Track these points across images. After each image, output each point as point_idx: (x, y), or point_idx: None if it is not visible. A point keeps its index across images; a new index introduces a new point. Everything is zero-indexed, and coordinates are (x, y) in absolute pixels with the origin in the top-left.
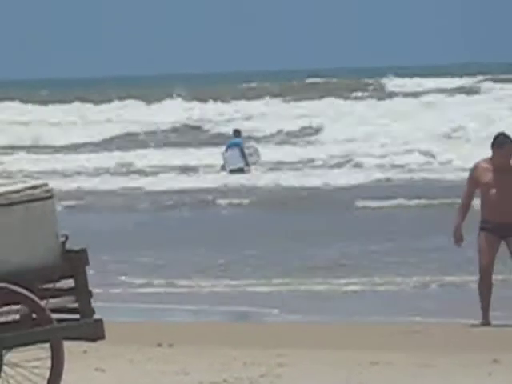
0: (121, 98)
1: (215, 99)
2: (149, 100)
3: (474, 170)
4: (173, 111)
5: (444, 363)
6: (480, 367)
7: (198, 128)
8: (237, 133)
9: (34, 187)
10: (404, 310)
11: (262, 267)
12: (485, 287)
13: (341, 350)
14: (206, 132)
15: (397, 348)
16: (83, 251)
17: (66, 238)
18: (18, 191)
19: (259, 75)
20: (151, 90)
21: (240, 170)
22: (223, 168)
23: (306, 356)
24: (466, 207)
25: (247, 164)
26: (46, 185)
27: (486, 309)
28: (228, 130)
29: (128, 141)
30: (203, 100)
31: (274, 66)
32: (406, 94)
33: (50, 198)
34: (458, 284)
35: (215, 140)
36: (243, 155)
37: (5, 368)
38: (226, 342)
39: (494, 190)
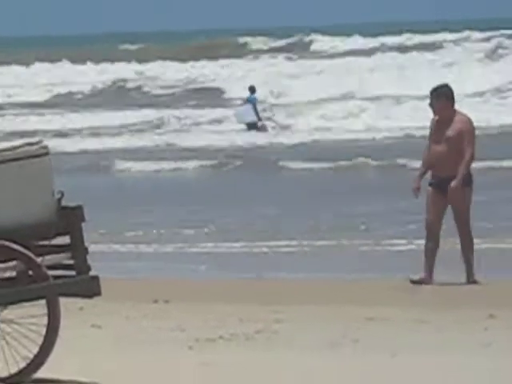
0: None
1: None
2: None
3: (431, 123)
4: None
5: (440, 319)
6: (476, 322)
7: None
8: (251, 89)
9: (29, 144)
10: (394, 268)
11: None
12: (430, 245)
13: (337, 305)
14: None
15: (392, 304)
16: (79, 208)
17: (62, 194)
18: (12, 148)
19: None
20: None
21: (252, 125)
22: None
23: (303, 312)
24: (424, 160)
25: (259, 119)
26: (41, 142)
27: (430, 268)
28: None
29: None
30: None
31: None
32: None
33: (45, 154)
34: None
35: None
36: (255, 110)
37: (1, 325)
38: (222, 298)
39: (435, 144)
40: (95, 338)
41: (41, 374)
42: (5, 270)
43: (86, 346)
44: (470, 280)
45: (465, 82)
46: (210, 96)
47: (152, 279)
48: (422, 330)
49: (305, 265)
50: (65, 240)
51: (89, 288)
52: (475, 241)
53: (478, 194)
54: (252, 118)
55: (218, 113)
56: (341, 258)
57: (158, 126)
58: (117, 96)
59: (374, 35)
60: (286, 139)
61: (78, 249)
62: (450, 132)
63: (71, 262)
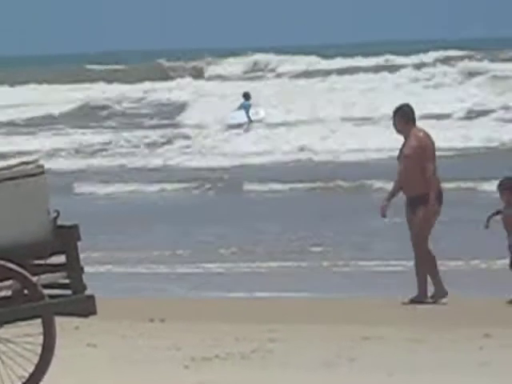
0: None
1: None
2: None
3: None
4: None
5: (435, 338)
6: (471, 342)
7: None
8: (246, 96)
9: (25, 163)
10: (389, 287)
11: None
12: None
13: (332, 324)
14: None
15: (387, 323)
16: (75, 227)
17: (58, 213)
18: (8, 167)
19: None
20: None
21: (239, 126)
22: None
23: (298, 331)
24: (396, 180)
25: (250, 121)
26: (37, 161)
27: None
28: None
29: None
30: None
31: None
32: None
33: (41, 173)
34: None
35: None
36: (247, 114)
37: None
38: (218, 317)
39: (398, 164)
40: (91, 357)
41: None
42: (0, 289)
43: (81, 365)
44: (414, 299)
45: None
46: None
47: (148, 298)
48: (418, 349)
49: (298, 284)
50: (60, 259)
51: (84, 307)
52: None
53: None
54: (242, 119)
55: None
56: (333, 278)
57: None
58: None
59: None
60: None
61: (73, 268)
62: (406, 150)
63: (67, 281)
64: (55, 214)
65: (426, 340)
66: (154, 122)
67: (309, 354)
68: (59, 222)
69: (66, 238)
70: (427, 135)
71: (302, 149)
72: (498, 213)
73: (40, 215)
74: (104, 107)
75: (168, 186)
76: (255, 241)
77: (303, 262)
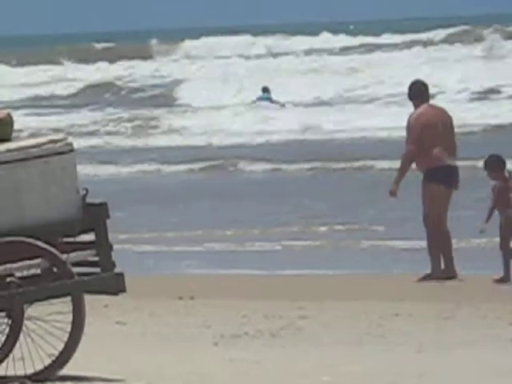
0: None
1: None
2: None
3: None
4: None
5: (463, 315)
6: (500, 318)
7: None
8: (265, 90)
9: (53, 141)
10: (418, 264)
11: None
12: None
13: (361, 301)
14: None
15: (416, 299)
16: (104, 205)
17: (87, 191)
18: (37, 145)
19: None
20: None
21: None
22: None
23: (327, 308)
24: None
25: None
26: (66, 139)
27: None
28: None
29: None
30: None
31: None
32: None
33: (70, 151)
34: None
35: None
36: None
37: (26, 322)
38: (247, 294)
39: None
40: (120, 335)
41: (66, 371)
42: (30, 267)
43: (111, 342)
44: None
45: None
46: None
47: (177, 276)
48: (446, 326)
49: (327, 261)
50: (90, 237)
51: (114, 285)
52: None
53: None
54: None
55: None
56: (361, 255)
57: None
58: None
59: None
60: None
61: (102, 246)
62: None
63: (96, 258)
64: (84, 192)
65: (455, 317)
66: (158, 101)
67: (338, 331)
68: (88, 200)
69: (94, 215)
70: (415, 114)
71: (307, 128)
72: (491, 213)
73: (69, 193)
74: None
75: (186, 166)
76: (281, 220)
77: (331, 239)
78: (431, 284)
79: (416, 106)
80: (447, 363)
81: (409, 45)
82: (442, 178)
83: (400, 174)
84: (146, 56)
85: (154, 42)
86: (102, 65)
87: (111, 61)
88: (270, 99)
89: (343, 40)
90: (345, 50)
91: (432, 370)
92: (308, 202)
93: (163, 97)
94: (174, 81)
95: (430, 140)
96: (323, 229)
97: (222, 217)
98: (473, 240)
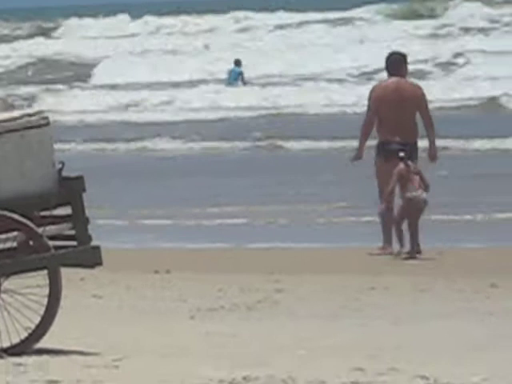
0: None
1: None
2: None
3: None
4: None
5: (440, 288)
6: (477, 291)
7: None
8: (237, 63)
9: (29, 115)
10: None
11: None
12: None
13: (338, 275)
14: None
15: (393, 272)
16: (80, 178)
17: (63, 165)
18: (12, 119)
19: None
20: None
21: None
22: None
23: (304, 282)
24: None
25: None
26: (41, 112)
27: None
28: None
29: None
30: None
31: None
32: None
33: (46, 125)
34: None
35: None
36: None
37: (2, 295)
38: (223, 268)
39: None
40: (96, 308)
41: (42, 344)
42: (6, 240)
43: (87, 315)
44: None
45: None
46: None
47: (153, 249)
48: (423, 299)
49: (303, 234)
50: (66, 210)
51: (90, 258)
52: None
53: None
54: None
55: None
56: (339, 228)
57: None
58: None
59: None
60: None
61: (79, 219)
62: None
63: (72, 232)
64: (60, 166)
65: (431, 289)
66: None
67: (315, 305)
68: (64, 174)
69: (71, 189)
70: (380, 86)
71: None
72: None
73: (45, 167)
74: None
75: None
76: (260, 193)
77: (307, 211)
78: (407, 258)
79: (388, 78)
80: (424, 336)
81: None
82: (383, 153)
83: (359, 143)
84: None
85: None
86: None
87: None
88: (241, 74)
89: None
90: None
91: (408, 343)
92: (278, 178)
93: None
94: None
95: (383, 114)
96: (303, 206)
97: (195, 191)
98: (450, 214)
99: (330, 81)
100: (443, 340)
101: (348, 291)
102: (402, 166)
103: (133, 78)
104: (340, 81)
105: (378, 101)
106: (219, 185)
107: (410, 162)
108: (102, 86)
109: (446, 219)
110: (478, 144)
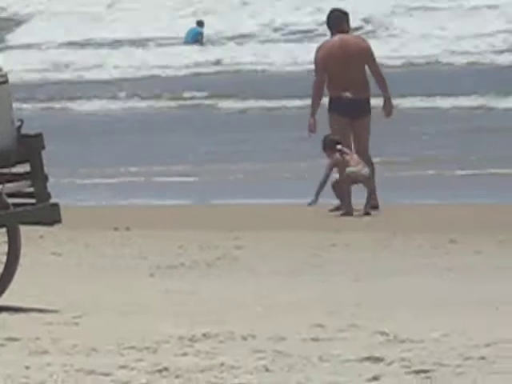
0: None
1: None
2: None
3: None
4: None
5: (400, 244)
6: (437, 247)
7: None
8: (199, 24)
9: None
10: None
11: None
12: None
13: (298, 231)
14: None
15: (354, 229)
16: (39, 136)
17: (22, 122)
18: None
19: None
20: None
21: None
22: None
23: (263, 238)
24: None
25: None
26: (0, 70)
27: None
28: None
29: None
30: None
31: None
32: None
33: (4, 82)
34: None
35: None
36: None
37: None
38: (182, 225)
39: None
40: (56, 266)
41: (1, 301)
42: None
43: (46, 273)
44: (372, 204)
45: None
46: None
47: (112, 207)
48: (383, 255)
49: (263, 191)
50: (25, 168)
51: (49, 216)
52: None
53: None
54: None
55: None
56: (300, 184)
57: None
58: None
59: None
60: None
61: (38, 176)
62: None
63: (31, 189)
64: (19, 123)
65: (391, 245)
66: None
67: (275, 261)
68: (23, 131)
69: (30, 146)
70: (325, 45)
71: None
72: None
73: (4, 124)
74: None
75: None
76: (216, 149)
77: (268, 168)
78: (367, 214)
79: (332, 36)
80: (383, 292)
81: None
82: (334, 108)
83: (311, 106)
84: None
85: None
86: None
87: None
88: (201, 34)
89: None
90: None
91: (369, 299)
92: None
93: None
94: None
95: (331, 71)
96: (262, 164)
97: (151, 148)
98: (409, 169)
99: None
100: (403, 296)
101: (308, 248)
102: (337, 155)
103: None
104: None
105: (324, 59)
106: (161, 143)
107: (345, 149)
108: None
109: (405, 175)
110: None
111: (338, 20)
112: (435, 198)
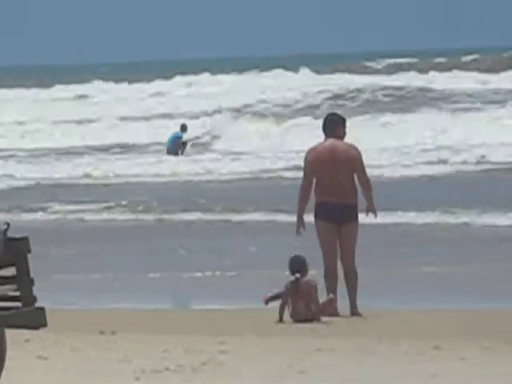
0: None
1: None
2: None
3: None
4: None
5: (386, 350)
6: (421, 354)
7: None
8: (183, 128)
9: None
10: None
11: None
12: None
13: (283, 336)
14: None
15: (340, 334)
16: (25, 239)
17: (8, 225)
18: None
19: None
20: None
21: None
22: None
23: (248, 343)
24: None
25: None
26: None
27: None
28: None
29: None
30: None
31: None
32: None
33: None
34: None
35: None
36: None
37: None
38: (168, 329)
39: None
40: (41, 370)
41: None
42: None
43: (31, 377)
44: (354, 312)
45: None
46: None
47: (98, 310)
48: (368, 361)
49: (246, 294)
50: (10, 271)
51: (35, 319)
52: None
53: None
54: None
55: None
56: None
57: None
58: None
59: None
60: None
61: (23, 280)
62: None
63: (17, 293)
64: (5, 227)
65: (376, 351)
66: None
67: (260, 366)
68: (9, 235)
69: (16, 250)
70: (312, 149)
71: None
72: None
73: None
74: None
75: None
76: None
77: (253, 274)
78: (353, 319)
79: (325, 140)
80: None
81: None
82: (320, 214)
83: (298, 210)
84: None
85: None
86: None
87: None
88: (179, 138)
89: None
90: None
91: None
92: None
93: None
94: None
95: (318, 175)
96: (252, 271)
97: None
98: (392, 273)
99: None
100: None
101: (293, 353)
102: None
103: None
104: None
105: (312, 163)
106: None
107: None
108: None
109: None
110: None
111: (332, 124)
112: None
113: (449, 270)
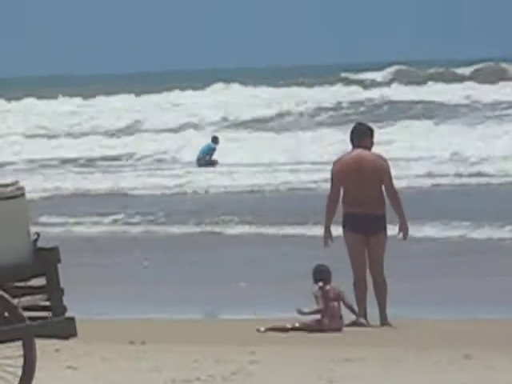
0: None
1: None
2: None
3: None
4: None
5: (415, 359)
6: (451, 363)
7: None
8: (214, 140)
9: (5, 185)
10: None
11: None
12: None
13: (313, 346)
14: None
15: (369, 344)
16: (55, 249)
17: (38, 235)
18: None
19: None
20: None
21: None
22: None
23: (278, 353)
24: None
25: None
26: (17, 183)
27: (363, 312)
28: None
29: None
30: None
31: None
32: None
33: (21, 195)
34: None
35: None
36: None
37: None
38: (198, 339)
39: None
40: (71, 380)
41: None
42: None
43: None
44: (384, 322)
45: None
46: None
47: (129, 320)
48: (397, 371)
49: (277, 305)
50: (41, 281)
51: (65, 329)
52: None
53: None
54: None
55: None
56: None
57: None
58: None
59: None
60: None
61: (54, 290)
62: None
63: (47, 303)
64: (35, 237)
65: (405, 361)
66: None
67: (290, 376)
68: (39, 245)
69: (46, 260)
70: (339, 160)
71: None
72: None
73: (20, 237)
74: None
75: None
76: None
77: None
78: (382, 329)
79: (353, 150)
80: None
81: None
82: (348, 225)
83: (325, 221)
84: None
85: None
86: None
87: None
88: (214, 149)
89: None
90: None
91: None
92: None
93: None
94: None
95: (345, 185)
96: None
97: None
98: (423, 283)
99: None
100: None
101: (322, 362)
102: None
103: None
104: None
105: (338, 173)
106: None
107: (328, 287)
108: None
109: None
110: None
111: (359, 134)
112: (450, 313)
113: (479, 281)
